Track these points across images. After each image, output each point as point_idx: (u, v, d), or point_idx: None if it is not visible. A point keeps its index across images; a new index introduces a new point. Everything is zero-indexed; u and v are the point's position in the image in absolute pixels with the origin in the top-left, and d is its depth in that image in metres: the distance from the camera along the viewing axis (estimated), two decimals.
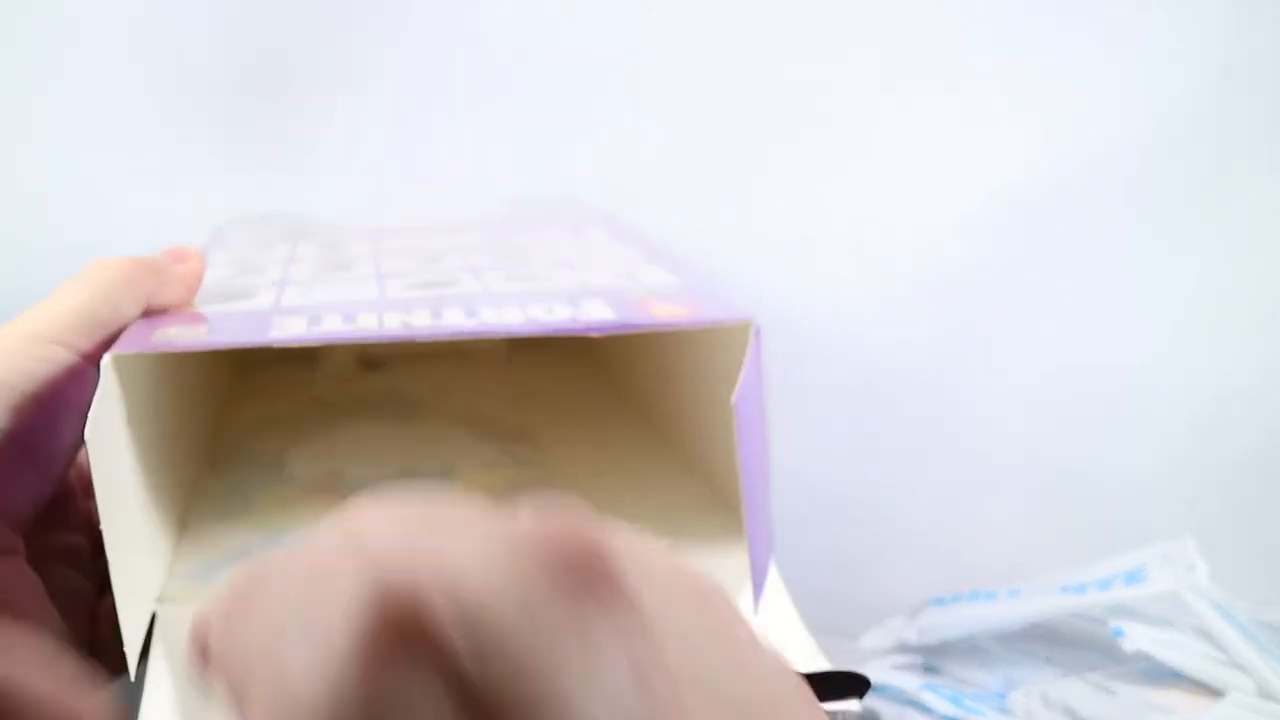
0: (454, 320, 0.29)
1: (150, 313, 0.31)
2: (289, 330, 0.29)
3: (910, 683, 0.47)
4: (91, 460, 0.25)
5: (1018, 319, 0.59)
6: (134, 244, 0.55)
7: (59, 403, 0.27)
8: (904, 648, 0.50)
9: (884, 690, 0.47)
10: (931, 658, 0.50)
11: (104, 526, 0.25)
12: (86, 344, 0.28)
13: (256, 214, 0.49)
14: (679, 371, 0.37)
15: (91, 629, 0.30)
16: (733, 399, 0.28)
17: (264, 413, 0.42)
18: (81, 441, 0.28)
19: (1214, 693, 0.44)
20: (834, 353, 0.59)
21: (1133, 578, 0.47)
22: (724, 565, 0.31)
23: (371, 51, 0.56)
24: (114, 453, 0.26)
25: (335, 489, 0.35)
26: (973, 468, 0.60)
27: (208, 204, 0.57)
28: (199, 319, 0.30)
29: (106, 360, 0.26)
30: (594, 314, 0.30)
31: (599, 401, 0.44)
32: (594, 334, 0.29)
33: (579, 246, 0.41)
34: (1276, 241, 0.59)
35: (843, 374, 0.59)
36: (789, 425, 0.59)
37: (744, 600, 0.30)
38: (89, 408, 0.26)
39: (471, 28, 0.56)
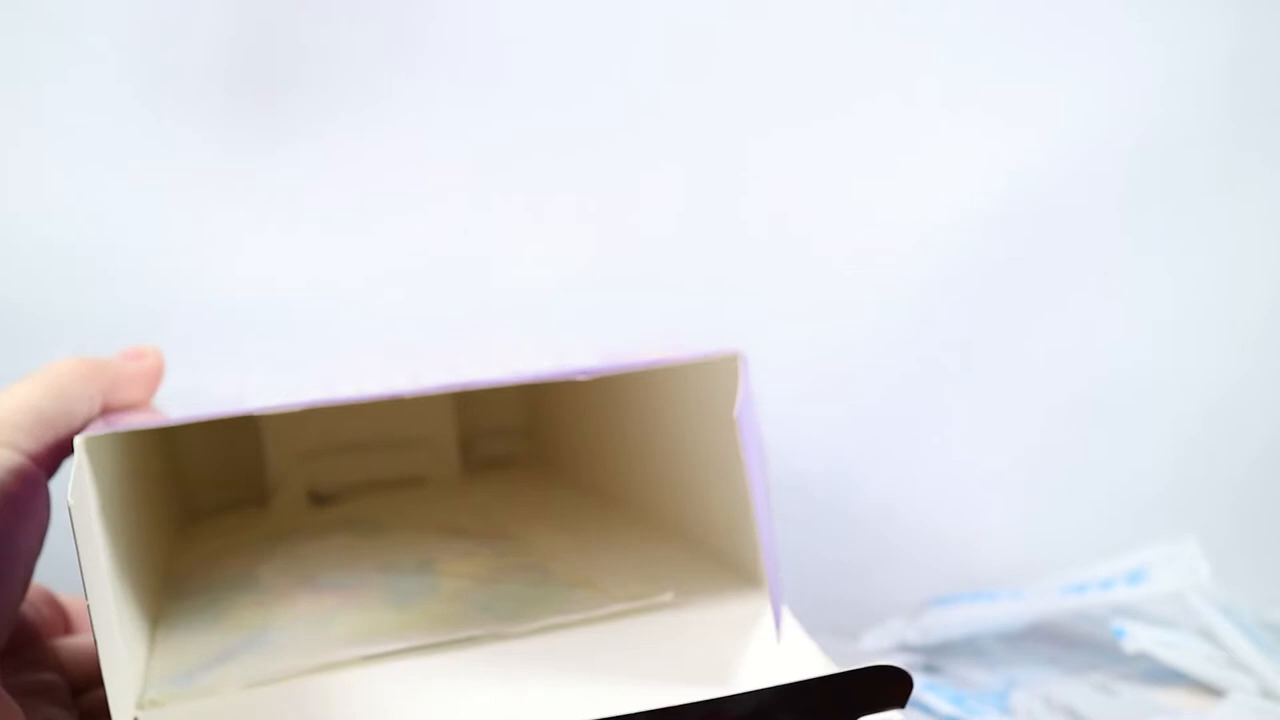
0: (435, 380, 0.29)
1: (109, 411, 0.29)
2: (267, 402, 0.28)
3: None
4: (78, 544, 0.24)
5: (1019, 319, 0.59)
6: (131, 246, 0.56)
7: (7, 508, 0.26)
8: (905, 648, 0.50)
9: None
10: (932, 658, 0.50)
11: (93, 618, 0.23)
12: (33, 445, 0.27)
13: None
14: (658, 430, 0.36)
15: None
16: (734, 415, 0.28)
17: (219, 547, 0.40)
18: (38, 551, 0.27)
19: (1216, 693, 0.43)
20: (833, 353, 0.59)
21: (1135, 578, 0.47)
22: (734, 609, 0.30)
23: (371, 55, 0.56)
24: (92, 543, 0.25)
25: (312, 590, 0.33)
26: (974, 467, 0.60)
27: (207, 203, 0.57)
28: (158, 415, 0.29)
29: (79, 441, 0.25)
30: (579, 362, 0.30)
31: (567, 503, 0.42)
32: (581, 378, 0.29)
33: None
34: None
35: (842, 375, 0.59)
36: (790, 426, 0.59)
37: (763, 634, 0.29)
38: (39, 515, 0.25)
39: (473, 29, 0.56)
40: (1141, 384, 0.59)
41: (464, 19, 0.56)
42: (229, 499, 0.46)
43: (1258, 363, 0.59)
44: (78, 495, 0.24)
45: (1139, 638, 0.45)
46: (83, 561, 0.24)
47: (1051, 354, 0.59)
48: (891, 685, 0.24)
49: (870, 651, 0.51)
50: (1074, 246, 0.59)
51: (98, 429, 0.27)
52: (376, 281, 0.56)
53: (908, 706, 0.46)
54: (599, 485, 0.42)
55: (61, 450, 0.28)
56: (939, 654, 0.50)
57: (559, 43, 0.57)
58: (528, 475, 0.47)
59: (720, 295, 0.58)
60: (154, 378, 0.32)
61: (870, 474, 0.60)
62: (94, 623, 0.23)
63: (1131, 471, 0.59)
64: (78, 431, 0.28)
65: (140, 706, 0.27)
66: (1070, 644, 0.49)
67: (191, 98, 0.55)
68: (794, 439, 0.58)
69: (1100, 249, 0.59)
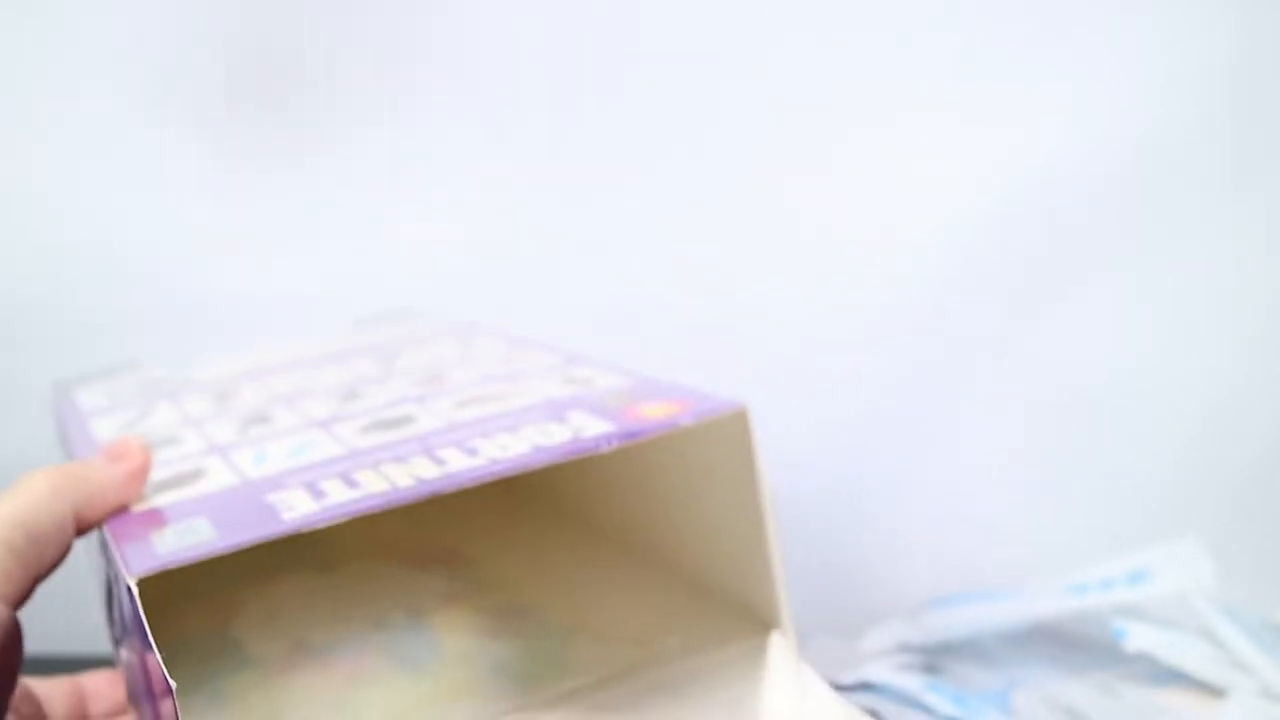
0: (460, 462, 0.27)
1: (85, 523, 0.28)
2: (298, 509, 0.26)
3: (912, 683, 0.47)
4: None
5: (1020, 318, 0.59)
6: (131, 248, 0.56)
7: None
8: (906, 648, 0.50)
9: (886, 691, 0.47)
10: (934, 658, 0.50)
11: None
12: (11, 590, 0.26)
13: (98, 370, 0.45)
14: (651, 467, 0.34)
15: None
16: (752, 464, 0.28)
17: (170, 586, 0.38)
18: (12, 690, 0.26)
19: (1217, 693, 0.43)
20: (835, 353, 0.59)
21: (1136, 578, 0.47)
22: (749, 654, 0.30)
23: (369, 58, 0.56)
24: None
25: (310, 660, 0.31)
26: (976, 467, 0.60)
27: (205, 207, 0.57)
28: (161, 518, 0.27)
29: (135, 587, 0.24)
30: (593, 429, 0.28)
31: (533, 529, 0.39)
32: (604, 451, 0.27)
33: (486, 357, 0.39)
34: None
35: (844, 375, 0.59)
36: (792, 426, 0.59)
37: (784, 686, 0.29)
38: (15, 660, 0.25)
39: (470, 33, 0.56)
40: (1143, 384, 0.59)
41: (470, 24, 0.56)
42: None
43: (1261, 362, 0.59)
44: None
45: (1140, 638, 0.45)
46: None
47: (1053, 354, 0.59)
48: None
49: (871, 651, 0.51)
50: (1075, 246, 0.59)
51: (140, 553, 0.25)
52: (377, 289, 0.56)
53: (910, 706, 0.46)
54: (575, 512, 0.40)
55: (33, 585, 0.27)
56: (940, 654, 0.50)
57: (568, 44, 0.57)
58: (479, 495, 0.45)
59: (724, 296, 0.58)
60: (139, 479, 0.30)
61: (871, 474, 0.60)
62: None
63: (1133, 471, 0.59)
64: (50, 562, 0.27)
65: None
66: (1071, 644, 0.49)
67: (194, 103, 0.55)
68: (795, 439, 0.58)
69: (1101, 248, 0.59)
